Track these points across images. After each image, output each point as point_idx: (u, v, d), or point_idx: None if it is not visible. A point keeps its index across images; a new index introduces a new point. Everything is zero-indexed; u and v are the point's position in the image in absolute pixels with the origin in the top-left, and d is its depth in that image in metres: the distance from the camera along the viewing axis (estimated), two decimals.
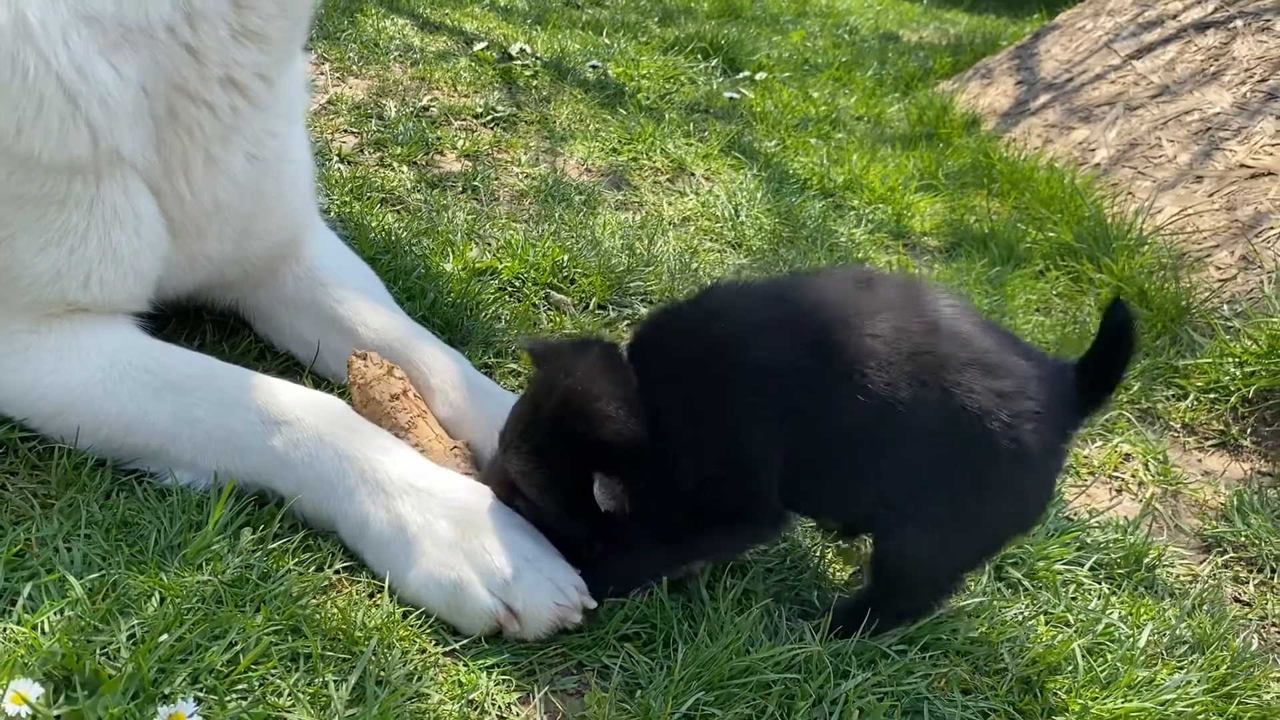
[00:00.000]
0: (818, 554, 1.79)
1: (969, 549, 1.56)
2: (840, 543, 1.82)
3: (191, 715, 1.21)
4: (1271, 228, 3.10)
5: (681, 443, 1.47)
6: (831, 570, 1.76)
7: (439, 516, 1.54)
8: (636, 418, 1.46)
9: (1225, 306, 2.91)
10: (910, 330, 1.45)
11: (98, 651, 1.30)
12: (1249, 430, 2.55)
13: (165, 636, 1.32)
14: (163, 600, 1.40)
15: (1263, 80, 3.76)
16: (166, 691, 1.26)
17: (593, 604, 1.49)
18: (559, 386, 1.51)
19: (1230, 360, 2.65)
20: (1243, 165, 3.44)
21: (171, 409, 1.65)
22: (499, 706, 1.39)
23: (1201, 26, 4.34)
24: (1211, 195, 3.41)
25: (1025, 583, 1.80)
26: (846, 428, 1.45)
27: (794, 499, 1.55)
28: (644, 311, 2.60)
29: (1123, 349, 1.47)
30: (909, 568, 1.54)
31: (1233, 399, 2.59)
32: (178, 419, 1.64)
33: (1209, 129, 3.74)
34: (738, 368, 1.47)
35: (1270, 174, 3.32)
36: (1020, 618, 1.70)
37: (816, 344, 1.46)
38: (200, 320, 2.09)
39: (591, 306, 2.57)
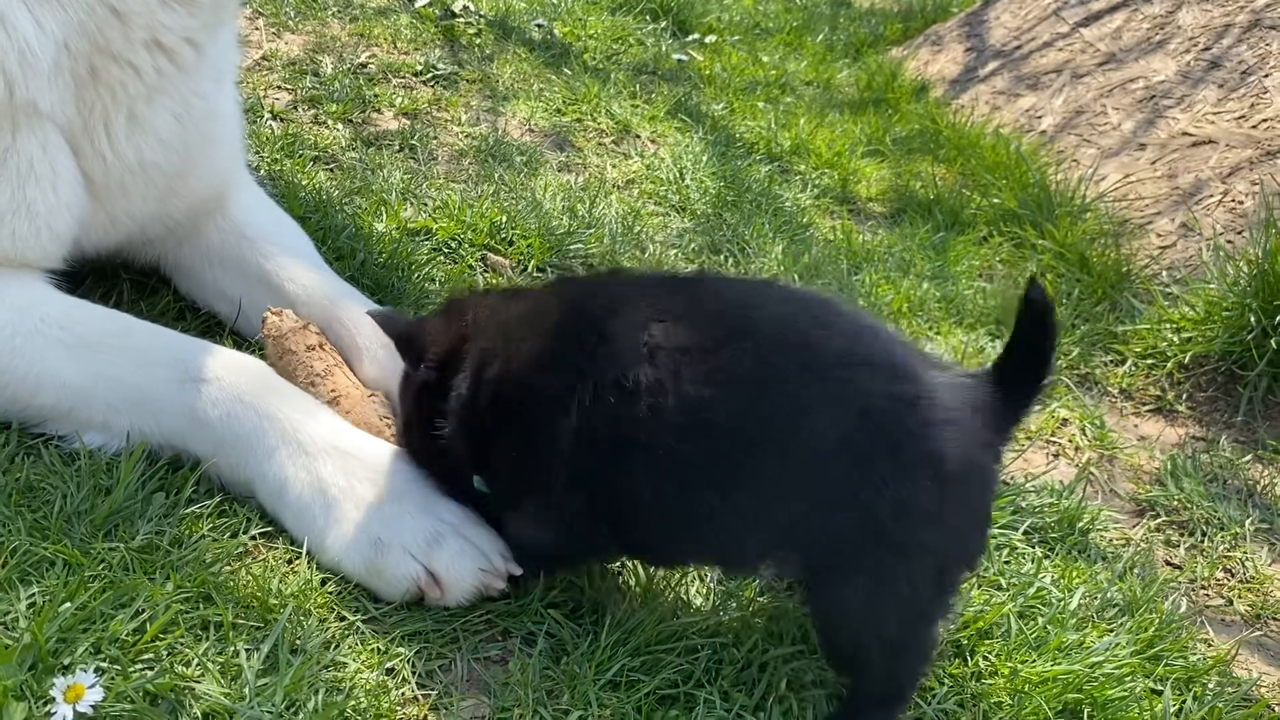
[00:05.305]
0: None
1: (909, 587, 1.27)
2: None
3: (91, 686, 1.15)
4: (1211, 195, 3.12)
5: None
6: None
7: (362, 480, 1.50)
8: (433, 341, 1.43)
9: (1164, 273, 2.93)
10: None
11: None
12: (1184, 396, 2.57)
13: (67, 605, 1.26)
14: (66, 568, 1.34)
15: (1206, 49, 3.77)
16: (66, 662, 1.21)
17: (518, 571, 1.45)
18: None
19: (1168, 326, 2.67)
20: (1185, 133, 3.45)
21: (85, 367, 1.59)
22: (419, 674, 1.35)
23: None
24: (1154, 163, 3.43)
25: None
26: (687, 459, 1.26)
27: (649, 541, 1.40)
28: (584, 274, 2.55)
29: (1046, 337, 1.29)
30: (852, 626, 1.30)
31: (1169, 365, 2.60)
32: (91, 377, 1.58)
33: (1153, 97, 3.75)
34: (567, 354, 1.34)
35: (1211, 142, 3.34)
36: None
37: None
38: (118, 278, 2.01)
39: (530, 269, 2.51)
